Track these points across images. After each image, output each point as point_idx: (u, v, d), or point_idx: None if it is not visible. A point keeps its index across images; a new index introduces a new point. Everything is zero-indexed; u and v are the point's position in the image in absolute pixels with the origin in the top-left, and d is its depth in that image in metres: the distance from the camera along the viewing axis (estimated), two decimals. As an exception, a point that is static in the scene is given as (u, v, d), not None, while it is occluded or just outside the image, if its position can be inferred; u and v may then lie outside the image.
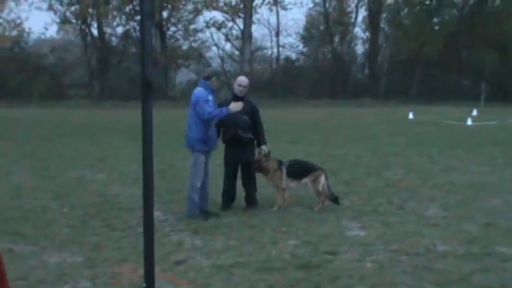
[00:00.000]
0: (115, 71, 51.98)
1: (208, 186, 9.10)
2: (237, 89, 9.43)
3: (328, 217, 8.90)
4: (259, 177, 9.72)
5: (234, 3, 52.58)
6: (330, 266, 6.51)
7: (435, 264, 6.54)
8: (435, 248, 7.21)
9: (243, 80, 9.59)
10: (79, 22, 52.29)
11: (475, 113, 32.75)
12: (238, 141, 9.36)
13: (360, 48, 59.98)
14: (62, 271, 6.29)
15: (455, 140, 20.45)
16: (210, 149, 9.00)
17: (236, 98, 9.37)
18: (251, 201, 9.61)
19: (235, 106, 8.73)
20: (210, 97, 8.83)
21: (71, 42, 53.51)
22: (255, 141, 9.59)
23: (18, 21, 51.10)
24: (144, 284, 3.75)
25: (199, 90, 8.89)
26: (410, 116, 31.75)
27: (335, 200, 9.56)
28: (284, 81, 53.61)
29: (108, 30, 53.99)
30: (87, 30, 53.22)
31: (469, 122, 27.78)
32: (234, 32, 55.04)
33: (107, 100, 45.12)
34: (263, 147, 9.50)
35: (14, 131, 23.09)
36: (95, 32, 53.46)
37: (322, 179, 9.47)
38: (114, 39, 55.30)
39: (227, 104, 9.24)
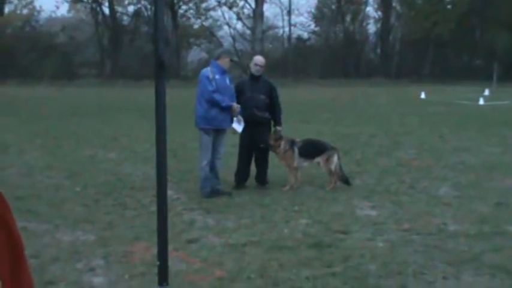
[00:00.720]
0: (126, 50, 51.93)
1: (217, 167, 9.00)
2: (253, 68, 9.42)
3: (340, 196, 8.89)
4: (272, 157, 9.72)
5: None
6: (341, 245, 6.51)
7: (446, 244, 6.53)
8: (446, 227, 7.20)
9: (259, 59, 9.58)
10: (90, 1, 52.24)
11: (487, 92, 32.53)
12: (255, 121, 9.30)
13: (371, 28, 59.72)
14: (75, 249, 6.32)
15: (467, 120, 20.34)
16: (215, 128, 8.81)
17: (253, 78, 9.39)
18: (263, 180, 9.63)
19: (238, 119, 8.93)
20: (218, 76, 8.75)
21: (82, 20, 53.42)
22: (271, 122, 9.59)
23: (29, -1, 51.10)
24: (158, 263, 3.77)
25: (206, 69, 8.89)
26: (422, 95, 31.58)
27: (346, 181, 9.54)
28: (296, 60, 53.39)
29: (119, 8, 53.93)
30: (98, 9, 53.21)
31: (481, 101, 27.62)
32: (245, 10, 54.91)
33: (118, 79, 45.11)
34: (278, 128, 9.53)
35: (25, 110, 23.16)
36: (106, 10, 53.46)
37: (335, 158, 9.44)
38: (125, 18, 55.26)
39: (244, 85, 9.43)
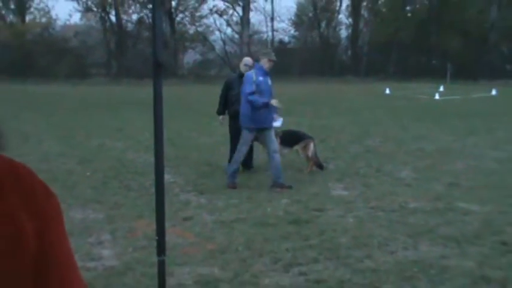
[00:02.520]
0: (130, 53, 51.48)
1: (276, 161, 8.16)
2: (243, 67, 9.26)
3: (316, 179, 8.90)
4: (256, 145, 9.69)
5: (234, -8, 52.10)
6: (317, 221, 6.52)
7: (407, 219, 6.56)
8: (407, 205, 7.23)
9: (248, 60, 9.50)
10: (99, 10, 51.89)
11: (441, 89, 32.60)
12: None
13: (343, 33, 59.44)
14: (86, 225, 6.29)
15: (425, 112, 20.40)
16: (258, 127, 8.16)
17: (242, 76, 9.21)
18: (249, 165, 9.62)
19: (275, 102, 8.07)
20: (260, 78, 8.07)
21: (92, 27, 52.91)
22: None
23: (46, 9, 50.70)
24: (156, 237, 3.75)
25: (251, 71, 8.27)
26: (387, 91, 31.61)
27: (320, 166, 9.54)
28: (278, 61, 51.78)
29: (124, 17, 53.55)
30: (106, 17, 52.71)
31: (437, 96, 27.69)
32: (234, 18, 54.64)
33: (123, 78, 44.76)
34: None
35: (43, 105, 22.96)
36: (113, 18, 53.05)
37: (312, 146, 9.44)
38: (129, 25, 54.83)
39: (233, 82, 9.25)
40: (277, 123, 8.83)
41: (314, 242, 5.73)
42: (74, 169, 9.66)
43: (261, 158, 10.06)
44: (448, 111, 20.53)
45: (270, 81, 8.34)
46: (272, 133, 8.31)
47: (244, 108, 8.14)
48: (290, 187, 8.17)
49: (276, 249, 5.49)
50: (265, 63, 8.18)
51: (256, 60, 8.60)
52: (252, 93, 7.95)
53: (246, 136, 8.25)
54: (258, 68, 8.23)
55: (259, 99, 7.95)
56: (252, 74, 8.14)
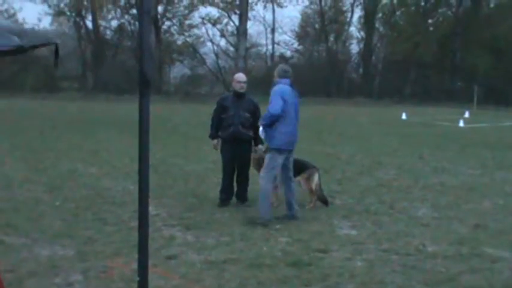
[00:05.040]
0: (109, 65, 51.79)
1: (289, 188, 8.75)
2: (237, 85, 9.30)
3: (320, 215, 8.94)
4: (252, 175, 9.73)
5: (230, -1, 52.60)
6: (320, 263, 6.54)
7: (424, 264, 6.59)
8: (425, 248, 7.26)
9: (241, 76, 9.50)
10: (73, 14, 52.21)
11: (467, 114, 32.84)
12: (239, 138, 9.24)
13: (354, 48, 60.05)
14: (53, 264, 6.29)
15: (447, 141, 20.53)
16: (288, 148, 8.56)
17: (237, 95, 9.33)
18: (243, 197, 9.62)
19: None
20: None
21: (64, 34, 53.25)
22: (252, 140, 9.47)
23: (11, 11, 51.01)
24: (138, 278, 3.78)
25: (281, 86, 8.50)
26: (403, 116, 31.82)
27: (324, 201, 9.55)
28: (278, 78, 53.19)
29: (102, 23, 53.91)
30: (81, 23, 53.14)
31: (461, 123, 27.87)
32: (229, 28, 55.05)
33: (100, 93, 44.98)
34: (259, 146, 9.43)
35: (6, 122, 23.00)
36: (89, 24, 53.41)
37: (316, 177, 9.45)
38: (108, 32, 55.24)
39: (228, 101, 9.31)
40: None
41: (317, 288, 5.76)
42: (41, 198, 9.67)
43: (257, 189, 10.09)
44: (474, 141, 20.65)
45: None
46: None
47: (273, 127, 8.35)
48: (266, 225, 8.20)
49: (272, 296, 5.50)
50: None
51: (281, 76, 8.65)
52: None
53: (273, 160, 8.43)
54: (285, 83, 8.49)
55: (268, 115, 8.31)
56: (284, 88, 8.40)
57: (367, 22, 55.96)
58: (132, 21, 51.61)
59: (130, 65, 48.09)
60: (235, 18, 53.25)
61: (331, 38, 57.54)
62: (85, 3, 51.32)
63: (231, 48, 55.90)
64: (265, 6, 54.86)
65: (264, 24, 56.39)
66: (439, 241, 7.59)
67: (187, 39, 55.79)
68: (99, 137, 18.79)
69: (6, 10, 51.10)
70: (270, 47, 57.13)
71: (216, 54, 56.18)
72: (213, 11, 54.84)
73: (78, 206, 9.09)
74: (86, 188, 10.61)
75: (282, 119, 8.32)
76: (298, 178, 9.46)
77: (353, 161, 15.02)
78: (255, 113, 9.37)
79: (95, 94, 45.14)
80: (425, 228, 8.33)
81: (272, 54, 56.54)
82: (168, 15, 54.63)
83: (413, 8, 54.76)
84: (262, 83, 52.35)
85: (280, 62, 56.65)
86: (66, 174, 11.98)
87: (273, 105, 8.24)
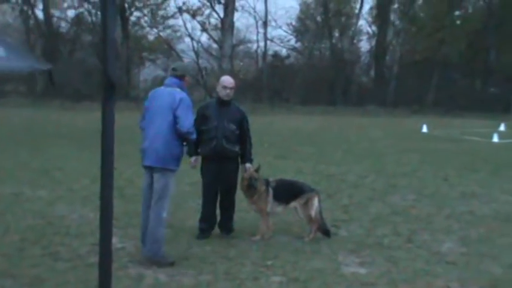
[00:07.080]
0: (64, 63, 51.68)
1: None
2: (222, 91, 9.18)
3: (322, 249, 8.93)
4: (239, 200, 9.73)
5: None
6: (322, 309, 6.56)
7: (449, 311, 6.62)
8: (450, 291, 7.29)
9: (228, 80, 9.34)
10: (20, 2, 52.10)
11: (502, 128, 32.96)
12: (222, 155, 9.14)
13: (364, 46, 60.33)
14: (-7, 309, 6.28)
15: (478, 160, 20.59)
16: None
17: (221, 102, 9.23)
18: (228, 227, 9.58)
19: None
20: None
21: (9, 25, 53.18)
22: (239, 158, 9.41)
23: None
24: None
25: (183, 93, 8.17)
26: (424, 129, 31.92)
27: (326, 231, 9.55)
28: (272, 82, 53.58)
29: (56, 13, 53.86)
30: (30, 12, 53.07)
31: (495, 138, 27.96)
32: (212, 20, 55.11)
33: (53, 99, 44.86)
34: (248, 165, 9.39)
35: None
36: (40, 14, 53.31)
37: (315, 202, 9.43)
38: (63, 24, 55.19)
39: (210, 110, 9.22)
40: None
41: None
42: (-22, 227, 9.64)
43: (244, 217, 10.10)
44: (511, 160, 20.71)
45: None
46: None
47: (175, 145, 8.08)
48: (172, 263, 8.05)
49: None
50: (188, 82, 8.65)
51: (180, 77, 8.36)
52: None
53: (172, 184, 8.26)
54: (181, 86, 8.33)
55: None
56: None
57: (380, 14, 56.22)
58: (92, 11, 51.58)
59: (91, 65, 48.16)
60: (219, 9, 53.35)
61: (336, 34, 57.79)
62: (35, -12, 51.38)
63: (214, 46, 56.04)
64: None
65: (254, 17, 56.89)
66: (468, 283, 7.61)
67: (161, 33, 55.88)
68: (52, 153, 18.73)
69: None
70: (261, 44, 57.29)
71: (196, 53, 56.27)
72: (193, 0, 55.04)
73: (23, 238, 9.03)
74: (33, 215, 10.55)
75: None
76: (295, 204, 9.45)
77: (362, 183, 15.04)
78: (242, 125, 9.31)
79: (47, 100, 45.01)
80: (451, 266, 8.35)
81: (264, 53, 56.62)
82: (138, 4, 54.56)
83: (436, -3, 55.01)
84: (251, 87, 52.58)
85: (274, 62, 56.92)
86: (9, 199, 11.91)
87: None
